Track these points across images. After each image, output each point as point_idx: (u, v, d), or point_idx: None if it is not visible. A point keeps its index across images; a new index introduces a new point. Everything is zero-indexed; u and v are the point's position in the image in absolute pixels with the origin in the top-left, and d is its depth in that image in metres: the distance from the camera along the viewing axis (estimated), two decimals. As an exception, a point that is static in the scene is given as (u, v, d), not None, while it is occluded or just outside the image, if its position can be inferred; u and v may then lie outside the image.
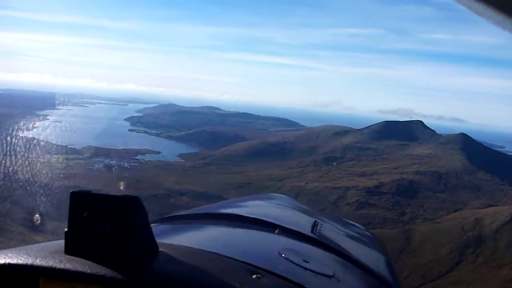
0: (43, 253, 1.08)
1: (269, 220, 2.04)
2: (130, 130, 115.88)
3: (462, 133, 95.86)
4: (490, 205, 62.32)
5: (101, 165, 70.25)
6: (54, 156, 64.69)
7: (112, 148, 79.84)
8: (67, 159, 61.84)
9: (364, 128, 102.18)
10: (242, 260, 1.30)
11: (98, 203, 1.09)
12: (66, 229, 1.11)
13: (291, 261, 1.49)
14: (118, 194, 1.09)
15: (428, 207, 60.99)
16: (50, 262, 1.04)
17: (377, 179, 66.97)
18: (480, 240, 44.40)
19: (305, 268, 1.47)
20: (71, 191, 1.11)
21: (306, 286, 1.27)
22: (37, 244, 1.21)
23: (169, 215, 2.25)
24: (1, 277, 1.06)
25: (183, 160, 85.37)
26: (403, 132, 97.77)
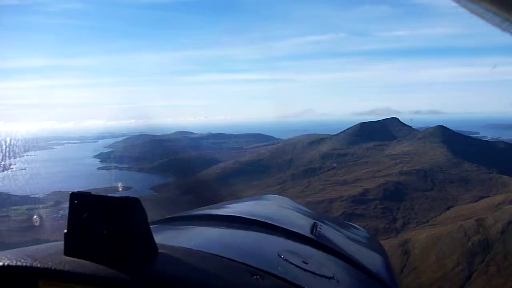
0: (42, 255, 1.08)
1: (268, 221, 1.98)
2: (99, 168, 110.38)
3: (440, 125, 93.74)
4: (482, 197, 59.59)
5: (67, 211, 64.98)
6: (13, 208, 60.05)
7: (79, 190, 74.54)
8: (28, 209, 57.39)
9: (340, 133, 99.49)
10: (242, 261, 1.31)
11: (97, 205, 1.08)
12: (65, 231, 1.11)
13: (291, 263, 1.46)
14: (117, 195, 1.10)
15: (418, 208, 57.59)
16: (49, 263, 1.04)
17: (361, 186, 63.41)
18: (487, 245, 40.27)
19: (305, 270, 1.44)
20: (71, 192, 1.11)
21: None
22: (36, 246, 1.22)
23: (168, 216, 2.18)
24: (0, 278, 1.05)
25: (156, 193, 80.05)
26: (380, 132, 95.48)
